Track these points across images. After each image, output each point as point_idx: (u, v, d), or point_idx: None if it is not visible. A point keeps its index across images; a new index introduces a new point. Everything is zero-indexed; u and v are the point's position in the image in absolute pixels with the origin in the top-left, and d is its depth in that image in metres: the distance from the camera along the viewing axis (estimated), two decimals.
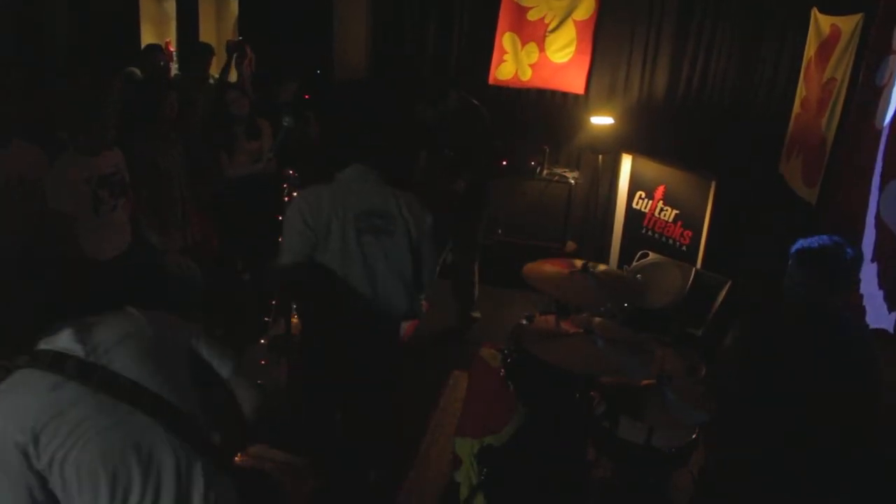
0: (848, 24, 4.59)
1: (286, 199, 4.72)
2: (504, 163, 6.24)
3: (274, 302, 4.77)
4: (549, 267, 3.71)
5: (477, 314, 5.72)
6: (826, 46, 4.96)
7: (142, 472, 1.70)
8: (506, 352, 3.66)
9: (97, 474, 1.66)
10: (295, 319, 5.16)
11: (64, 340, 1.74)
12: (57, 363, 1.70)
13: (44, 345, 1.74)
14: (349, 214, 3.17)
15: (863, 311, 3.69)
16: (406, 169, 3.38)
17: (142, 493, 1.69)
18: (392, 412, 3.74)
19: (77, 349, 1.73)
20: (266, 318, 4.86)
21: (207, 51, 6.36)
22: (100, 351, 1.74)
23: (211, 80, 6.47)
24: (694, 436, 3.38)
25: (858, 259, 2.79)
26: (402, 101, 6.17)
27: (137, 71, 6.02)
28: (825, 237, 2.77)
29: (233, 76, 6.23)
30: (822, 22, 5.14)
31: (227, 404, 1.99)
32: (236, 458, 2.14)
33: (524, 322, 3.71)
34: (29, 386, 1.68)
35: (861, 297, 3.73)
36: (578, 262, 3.69)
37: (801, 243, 2.82)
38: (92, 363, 1.72)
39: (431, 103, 5.25)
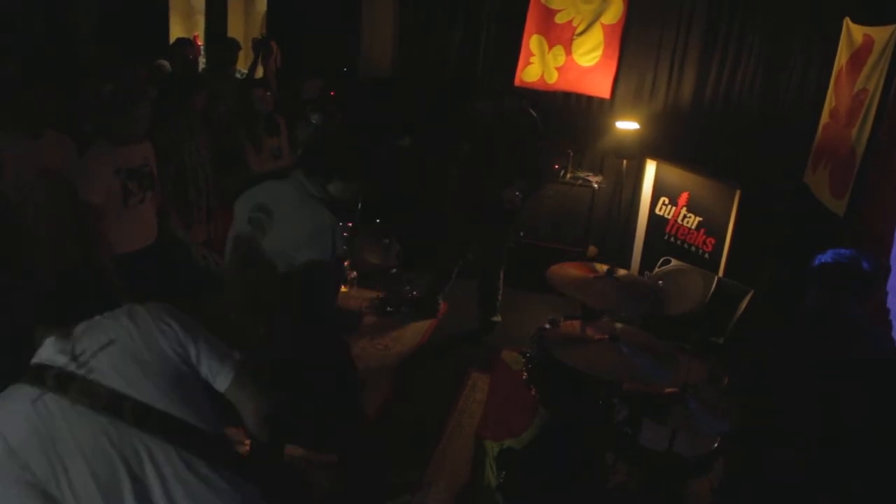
0: (882, 34, 4.55)
1: None
2: (556, 167, 6.29)
3: None
4: (573, 270, 3.72)
5: (497, 318, 5.71)
6: (858, 56, 4.92)
7: (131, 479, 1.70)
8: (528, 355, 3.66)
9: (88, 486, 1.66)
10: None
11: (48, 351, 1.78)
12: (37, 376, 1.74)
13: (34, 358, 1.79)
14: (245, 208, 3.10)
15: (890, 325, 3.66)
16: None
17: (134, 498, 1.69)
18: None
19: (59, 359, 1.76)
20: None
21: (234, 46, 6.40)
22: (81, 360, 1.76)
23: (238, 75, 6.51)
24: (716, 445, 3.36)
25: (878, 271, 2.77)
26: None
27: (167, 64, 6.07)
28: (842, 250, 2.78)
29: (259, 73, 6.28)
30: (854, 31, 5.09)
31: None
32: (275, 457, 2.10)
33: (548, 326, 3.71)
34: (14, 400, 1.72)
35: (888, 310, 3.70)
36: (602, 267, 3.69)
37: (818, 258, 2.82)
38: (70, 373, 1.73)
39: (491, 100, 5.19)
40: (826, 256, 2.80)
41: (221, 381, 1.89)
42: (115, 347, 1.80)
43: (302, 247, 2.93)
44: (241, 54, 6.61)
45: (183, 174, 4.46)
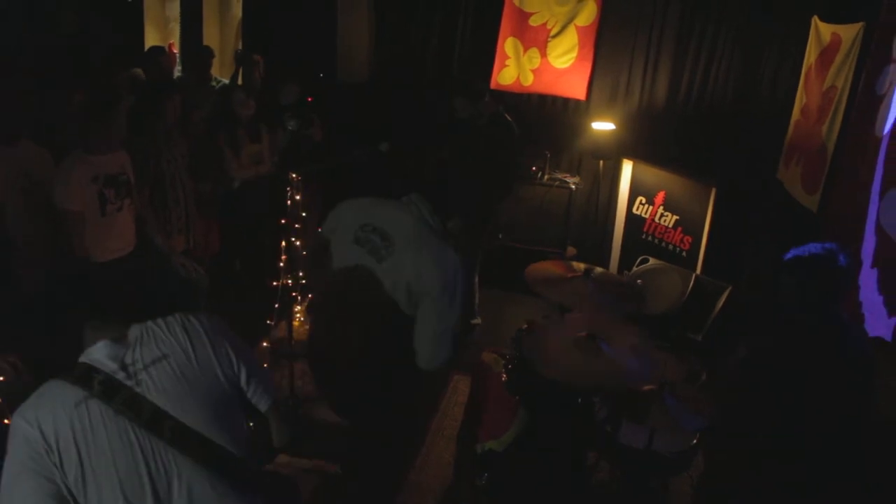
0: (849, 32, 4.62)
1: (288, 202, 4.75)
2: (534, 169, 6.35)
3: (276, 305, 4.78)
4: (551, 268, 3.74)
5: (477, 320, 5.73)
6: (827, 54, 4.99)
7: (154, 496, 1.71)
8: (508, 356, 3.68)
9: (116, 495, 1.67)
10: (297, 323, 5.19)
11: (98, 353, 1.75)
12: (85, 378, 1.72)
13: (83, 356, 1.76)
14: (354, 222, 2.86)
15: (862, 318, 3.71)
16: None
17: None
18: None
19: (109, 365, 1.73)
20: (268, 322, 4.88)
21: (207, 53, 6.39)
22: (131, 370, 1.75)
23: (214, 83, 6.50)
24: (695, 441, 3.40)
25: (852, 266, 2.79)
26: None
27: (141, 72, 6.05)
28: (817, 245, 2.78)
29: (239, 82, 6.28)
30: (822, 30, 5.17)
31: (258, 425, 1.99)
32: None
33: (525, 328, 3.74)
34: (57, 398, 1.69)
35: (860, 303, 3.76)
36: (580, 265, 3.72)
37: (792, 252, 2.83)
38: (118, 382, 1.72)
39: (472, 100, 5.16)
40: (802, 250, 2.81)
41: (263, 404, 2.00)
42: (168, 364, 1.79)
43: (428, 295, 2.67)
44: (217, 62, 6.60)
45: (161, 182, 4.45)
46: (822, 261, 2.73)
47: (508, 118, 5.31)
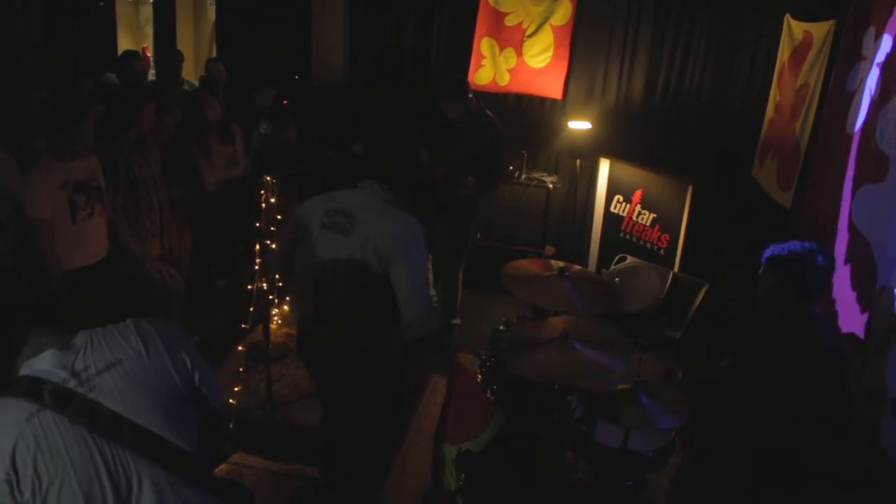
0: (820, 30, 4.66)
1: (263, 205, 4.72)
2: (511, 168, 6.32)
3: (251, 309, 4.74)
4: (528, 268, 3.72)
5: (457, 321, 5.72)
6: (799, 52, 5.03)
7: (115, 500, 1.68)
8: (483, 357, 3.67)
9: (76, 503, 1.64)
10: (274, 325, 5.16)
11: (45, 363, 1.70)
12: (34, 390, 1.66)
13: (24, 369, 1.70)
14: (319, 212, 3.07)
15: (835, 315, 3.73)
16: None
17: None
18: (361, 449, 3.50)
19: (57, 374, 1.69)
20: (244, 325, 4.84)
21: (177, 57, 6.36)
22: (82, 377, 1.70)
23: (186, 87, 6.46)
24: (671, 439, 3.41)
25: (830, 265, 2.80)
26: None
27: (114, 77, 6.00)
28: (797, 243, 2.78)
29: None
30: (794, 28, 5.20)
31: (210, 422, 1.96)
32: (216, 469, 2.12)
33: (501, 328, 3.72)
34: (4, 416, 1.64)
35: (834, 301, 3.78)
36: (557, 263, 3.71)
37: (772, 249, 2.83)
38: (70, 390, 1.67)
39: (460, 100, 5.14)
40: (781, 248, 2.81)
41: (217, 404, 1.97)
42: (122, 369, 1.75)
43: (394, 253, 2.90)
44: (188, 65, 6.56)
45: (134, 187, 4.40)
46: (801, 260, 2.73)
47: (490, 113, 5.31)
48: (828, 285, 2.83)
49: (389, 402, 3.49)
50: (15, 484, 1.60)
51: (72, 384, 1.69)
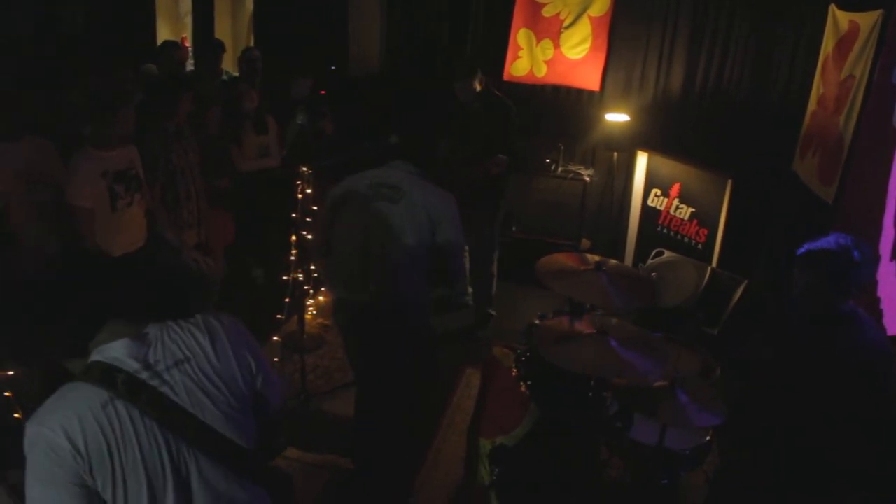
0: (867, 20, 4.54)
1: (299, 196, 4.73)
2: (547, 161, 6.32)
3: (287, 299, 4.77)
4: (563, 262, 3.67)
5: (493, 312, 5.71)
6: (844, 43, 4.91)
7: (176, 493, 1.71)
8: (518, 351, 3.65)
9: (141, 492, 1.67)
10: (309, 316, 5.18)
11: (118, 352, 1.71)
12: (108, 378, 1.68)
13: (96, 354, 1.71)
14: (361, 185, 3.24)
15: (880, 314, 3.65)
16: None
17: None
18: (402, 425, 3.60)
19: (130, 364, 1.70)
20: (279, 315, 4.87)
21: (219, 47, 6.39)
22: (154, 370, 1.72)
23: (224, 77, 6.50)
24: (708, 437, 3.36)
25: (868, 260, 2.70)
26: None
27: (154, 67, 6.06)
28: (831, 238, 2.70)
29: None
30: (840, 18, 5.08)
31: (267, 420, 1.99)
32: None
33: (537, 322, 3.69)
34: (80, 401, 1.65)
35: (879, 299, 3.69)
36: (593, 257, 3.66)
37: (805, 246, 2.76)
38: (142, 381, 1.69)
39: (468, 77, 5.14)
40: (815, 244, 2.74)
41: (276, 403, 2.01)
42: (190, 366, 1.77)
43: (441, 223, 3.13)
44: (229, 57, 6.60)
45: (172, 177, 4.44)
46: (834, 256, 2.65)
47: (499, 94, 5.30)
48: (866, 281, 2.72)
49: (424, 381, 3.59)
50: (88, 470, 1.62)
51: (144, 376, 1.70)
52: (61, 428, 1.61)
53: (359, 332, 3.42)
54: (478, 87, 5.17)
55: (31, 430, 1.63)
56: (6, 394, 2.87)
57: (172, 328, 1.82)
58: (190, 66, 7.35)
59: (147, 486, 1.67)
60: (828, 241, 2.70)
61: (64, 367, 1.77)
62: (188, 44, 7.83)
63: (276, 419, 2.03)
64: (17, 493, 2.84)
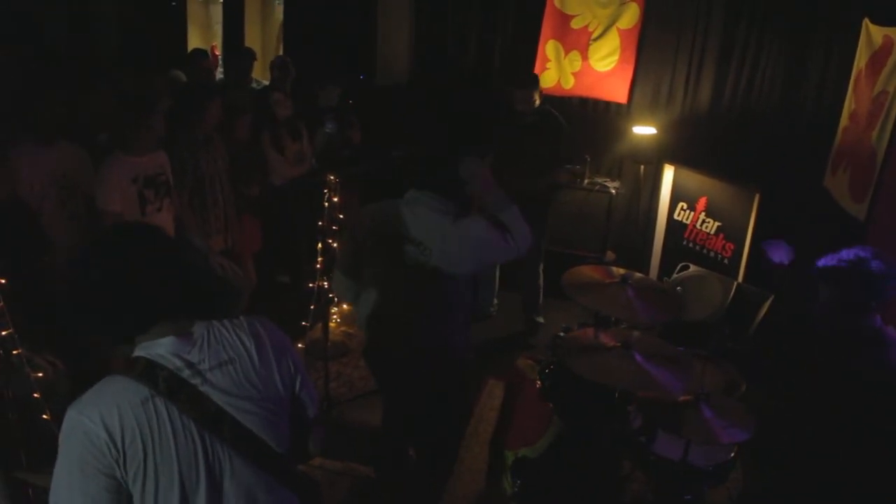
0: None
1: (325, 204, 4.76)
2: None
3: (312, 307, 4.79)
4: (590, 274, 3.66)
5: (541, 319, 5.74)
6: (878, 58, 4.86)
7: (208, 493, 1.72)
8: (543, 363, 3.64)
9: (173, 490, 1.68)
10: (333, 324, 5.20)
11: (162, 349, 1.72)
12: (150, 374, 1.69)
13: (140, 349, 1.73)
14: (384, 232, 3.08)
15: None
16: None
17: None
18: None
19: (173, 362, 1.71)
20: (304, 323, 4.89)
21: (249, 56, 6.45)
22: (196, 369, 1.73)
23: (255, 85, 6.56)
24: (732, 454, 3.32)
25: (891, 273, 2.66)
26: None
27: (182, 74, 6.13)
28: (847, 251, 2.66)
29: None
30: (874, 33, 5.03)
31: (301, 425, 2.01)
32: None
33: (561, 334, 3.68)
34: (121, 395, 1.66)
35: None
36: (619, 270, 3.64)
37: (821, 261, 2.72)
38: (183, 380, 1.70)
39: (531, 88, 5.15)
40: (832, 257, 2.70)
41: (308, 415, 2.02)
42: (232, 368, 1.78)
43: (475, 253, 3.02)
44: (258, 65, 6.66)
45: (200, 184, 4.48)
46: (849, 268, 2.62)
47: (556, 113, 5.33)
48: (887, 292, 2.66)
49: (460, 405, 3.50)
50: (121, 463, 1.63)
51: (185, 374, 1.71)
52: (100, 418, 1.62)
53: (395, 374, 3.34)
54: (537, 101, 5.18)
55: (71, 417, 1.65)
56: (35, 395, 2.89)
57: (219, 329, 1.83)
58: (220, 74, 7.42)
59: (179, 483, 1.68)
60: (846, 254, 2.67)
61: (96, 365, 1.78)
62: (218, 52, 7.92)
63: (310, 426, 2.05)
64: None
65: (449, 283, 3.05)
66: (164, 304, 1.74)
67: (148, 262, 1.71)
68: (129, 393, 1.66)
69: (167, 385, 1.69)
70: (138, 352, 1.73)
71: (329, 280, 4.78)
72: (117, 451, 1.62)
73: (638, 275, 3.67)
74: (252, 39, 7.97)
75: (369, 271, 3.14)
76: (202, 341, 1.78)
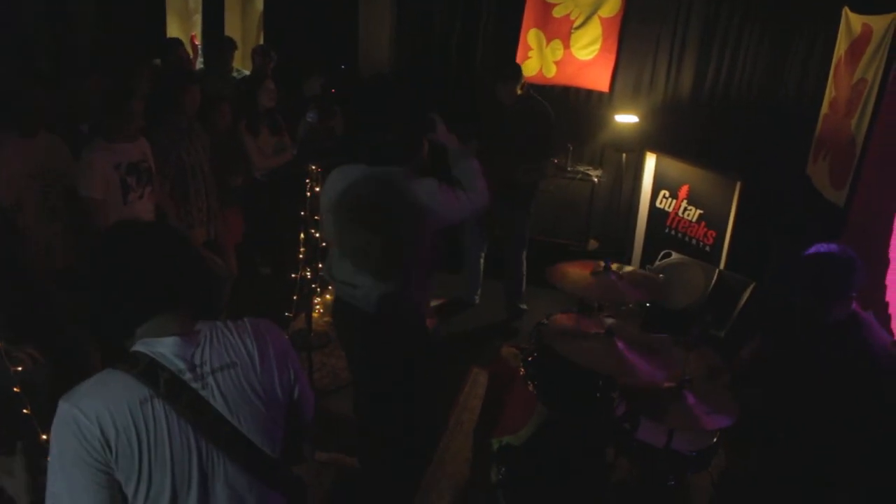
0: (880, 23, 4.52)
1: (308, 194, 4.74)
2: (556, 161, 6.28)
3: (294, 297, 4.78)
4: (573, 270, 3.66)
5: (524, 306, 5.77)
6: (857, 46, 4.89)
7: (199, 495, 1.71)
8: (526, 350, 3.65)
9: (164, 492, 1.67)
10: (316, 314, 5.19)
11: (165, 348, 1.69)
12: (151, 374, 1.66)
13: (142, 346, 1.69)
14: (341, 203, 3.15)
15: (888, 319, 3.63)
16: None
17: None
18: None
19: (175, 363, 1.68)
20: (287, 314, 4.88)
21: (230, 45, 6.39)
22: (198, 372, 1.70)
23: (235, 74, 6.51)
24: (715, 439, 3.35)
25: (852, 266, 2.72)
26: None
27: (158, 62, 6.07)
28: (822, 245, 2.76)
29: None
30: (853, 21, 5.06)
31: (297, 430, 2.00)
32: None
33: (545, 321, 3.69)
34: (120, 393, 1.64)
35: (887, 304, 3.68)
36: (601, 263, 3.65)
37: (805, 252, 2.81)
38: (184, 383, 1.68)
39: (515, 81, 5.15)
40: (808, 250, 2.78)
41: (308, 414, 2.02)
42: (234, 372, 1.76)
43: (427, 204, 3.02)
44: (238, 54, 6.60)
45: (182, 174, 4.45)
46: (817, 262, 2.73)
47: (541, 100, 5.32)
48: (852, 286, 2.74)
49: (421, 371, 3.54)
50: (113, 461, 1.61)
51: (187, 377, 1.68)
52: (95, 415, 1.59)
53: (355, 323, 3.41)
54: (519, 91, 5.18)
55: (65, 409, 1.62)
56: (15, 389, 2.87)
57: (222, 330, 1.81)
58: (200, 63, 7.36)
59: (170, 486, 1.66)
60: (818, 248, 2.77)
61: (76, 359, 1.76)
62: (198, 41, 7.84)
63: (306, 431, 2.04)
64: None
65: (407, 246, 3.10)
66: (166, 296, 1.71)
67: (153, 253, 1.69)
68: (128, 391, 1.63)
69: (168, 388, 1.66)
70: (140, 347, 1.69)
71: (312, 270, 4.78)
72: (110, 450, 1.60)
73: (626, 268, 3.67)
74: (232, 29, 7.90)
75: (335, 236, 3.24)
76: (206, 342, 1.75)
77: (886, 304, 3.68)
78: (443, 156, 3.20)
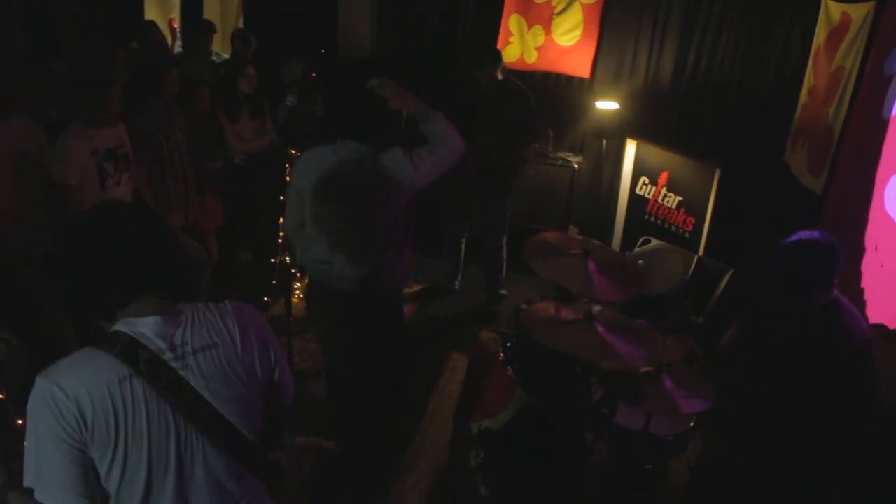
0: (859, 11, 4.55)
1: (287, 178, 4.71)
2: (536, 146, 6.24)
3: (274, 282, 4.76)
4: (552, 241, 3.60)
5: (504, 291, 5.77)
6: (836, 34, 4.92)
7: (176, 477, 1.70)
8: (505, 335, 3.66)
9: (140, 473, 1.66)
10: (296, 299, 5.17)
11: (146, 328, 1.68)
12: (130, 353, 1.64)
13: (123, 325, 1.68)
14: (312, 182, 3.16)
15: (864, 305, 3.67)
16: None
17: (174, 495, 1.71)
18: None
19: (156, 343, 1.67)
20: (266, 298, 4.86)
21: (209, 28, 6.33)
22: (178, 352, 1.69)
23: (215, 58, 6.45)
24: (692, 424, 3.38)
25: (833, 253, 2.73)
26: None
27: (135, 45, 6.00)
28: (804, 232, 2.78)
29: None
30: (832, 9, 5.09)
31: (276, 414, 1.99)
32: None
33: (524, 306, 3.70)
34: (98, 371, 1.62)
35: (863, 290, 3.72)
36: (580, 238, 3.63)
37: (783, 241, 2.83)
38: (164, 363, 1.67)
39: (494, 66, 5.11)
40: (785, 245, 2.80)
41: (287, 399, 2.02)
42: (215, 353, 1.75)
43: (403, 169, 3.10)
44: (218, 37, 6.54)
45: (160, 158, 4.41)
46: (788, 251, 2.75)
47: (518, 83, 5.29)
48: (835, 272, 2.76)
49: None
50: (89, 440, 1.60)
51: (167, 357, 1.67)
52: (73, 392, 1.58)
53: (331, 303, 3.41)
54: (499, 76, 5.15)
55: (42, 385, 1.60)
56: None
57: (204, 312, 1.79)
58: (179, 47, 7.28)
59: (146, 468, 1.66)
60: (797, 235, 2.77)
61: (51, 341, 1.74)
62: (176, 24, 7.74)
63: (285, 417, 2.03)
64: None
65: (381, 221, 3.16)
66: (146, 278, 1.70)
67: (133, 236, 1.68)
68: (106, 370, 1.62)
69: (147, 367, 1.65)
70: (121, 327, 1.68)
71: (291, 255, 4.75)
72: (86, 428, 1.59)
73: (597, 243, 3.64)
74: (211, 12, 7.80)
75: (311, 217, 3.22)
76: (187, 323, 1.74)
77: (862, 290, 3.72)
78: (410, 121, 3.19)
